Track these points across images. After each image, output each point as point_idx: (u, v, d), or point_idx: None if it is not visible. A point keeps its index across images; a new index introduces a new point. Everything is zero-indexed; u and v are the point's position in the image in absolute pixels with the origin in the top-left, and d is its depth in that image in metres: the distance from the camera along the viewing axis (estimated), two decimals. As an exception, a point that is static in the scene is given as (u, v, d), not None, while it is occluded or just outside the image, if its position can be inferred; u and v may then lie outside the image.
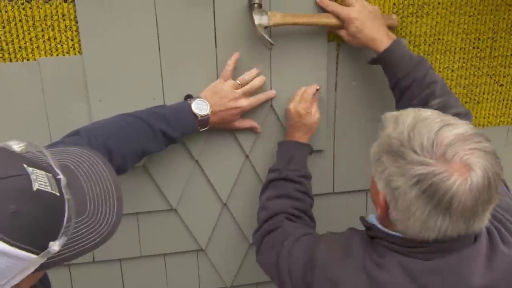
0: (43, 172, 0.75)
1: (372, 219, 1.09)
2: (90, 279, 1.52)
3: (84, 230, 0.78)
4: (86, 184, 0.82)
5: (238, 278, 1.61)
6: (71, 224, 0.75)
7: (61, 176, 0.77)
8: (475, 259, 0.98)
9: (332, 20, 1.32)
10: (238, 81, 1.33)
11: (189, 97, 1.33)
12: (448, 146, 0.88)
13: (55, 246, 0.71)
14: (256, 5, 1.27)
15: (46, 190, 0.73)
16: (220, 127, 1.36)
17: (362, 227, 1.13)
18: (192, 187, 1.46)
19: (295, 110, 1.36)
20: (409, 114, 0.96)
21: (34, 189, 0.71)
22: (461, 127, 0.91)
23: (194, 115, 1.27)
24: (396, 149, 0.92)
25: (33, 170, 0.74)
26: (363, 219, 1.11)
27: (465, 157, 0.88)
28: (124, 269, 1.53)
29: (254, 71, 1.35)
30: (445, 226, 0.91)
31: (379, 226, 1.05)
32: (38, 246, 0.70)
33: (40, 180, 0.73)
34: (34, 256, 0.70)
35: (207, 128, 1.31)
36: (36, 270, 0.72)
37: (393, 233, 1.01)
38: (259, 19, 1.27)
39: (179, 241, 1.52)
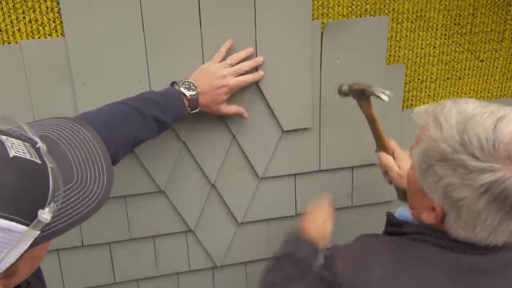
0: (20, 141, 0.72)
1: (403, 212, 1.04)
2: (79, 263, 1.52)
3: (75, 198, 0.75)
4: (69, 151, 0.79)
5: (228, 258, 1.63)
6: (60, 192, 0.72)
7: (40, 144, 0.73)
8: None
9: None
10: (228, 61, 1.33)
11: (174, 83, 1.32)
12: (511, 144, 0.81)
13: (44, 215, 0.68)
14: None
15: (25, 157, 0.69)
16: (209, 111, 1.35)
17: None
18: (179, 168, 1.46)
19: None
20: (451, 111, 0.88)
21: (11, 155, 0.68)
22: None
23: (183, 96, 1.26)
24: (451, 157, 0.83)
25: (7, 138, 0.71)
26: (391, 215, 1.04)
27: None
28: (114, 253, 1.53)
29: (243, 53, 1.35)
30: None
31: (419, 222, 0.98)
32: (26, 216, 0.67)
33: (16, 148, 0.70)
34: (24, 227, 0.66)
35: (197, 110, 1.30)
36: (32, 246, 0.69)
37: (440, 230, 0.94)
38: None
39: (168, 222, 1.53)
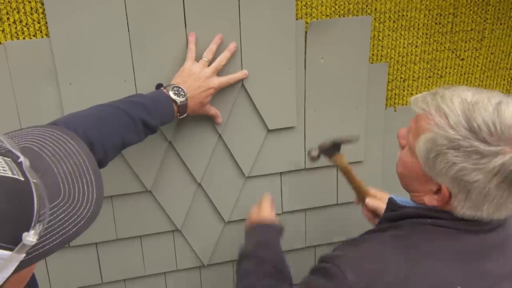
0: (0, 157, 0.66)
1: (399, 198, 1.06)
2: (66, 264, 1.52)
3: (62, 215, 0.69)
4: (54, 164, 0.73)
5: (215, 257, 1.64)
6: (45, 211, 0.66)
7: (22, 158, 0.67)
8: None
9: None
10: (205, 58, 1.32)
11: (160, 86, 1.32)
12: None
13: (29, 237, 0.62)
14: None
15: (5, 175, 0.63)
16: (194, 113, 1.34)
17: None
18: (166, 168, 1.47)
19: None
20: (452, 99, 0.91)
21: None
22: (511, 103, 0.89)
23: (173, 102, 1.25)
24: (462, 144, 0.87)
25: None
26: (393, 201, 1.07)
27: None
28: (101, 253, 1.53)
29: (214, 45, 1.34)
30: None
31: (419, 205, 1.01)
32: (9, 240, 0.61)
33: None
34: (8, 252, 0.61)
35: (184, 115, 1.29)
36: (17, 270, 0.64)
37: (442, 209, 0.98)
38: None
39: (154, 222, 1.53)
